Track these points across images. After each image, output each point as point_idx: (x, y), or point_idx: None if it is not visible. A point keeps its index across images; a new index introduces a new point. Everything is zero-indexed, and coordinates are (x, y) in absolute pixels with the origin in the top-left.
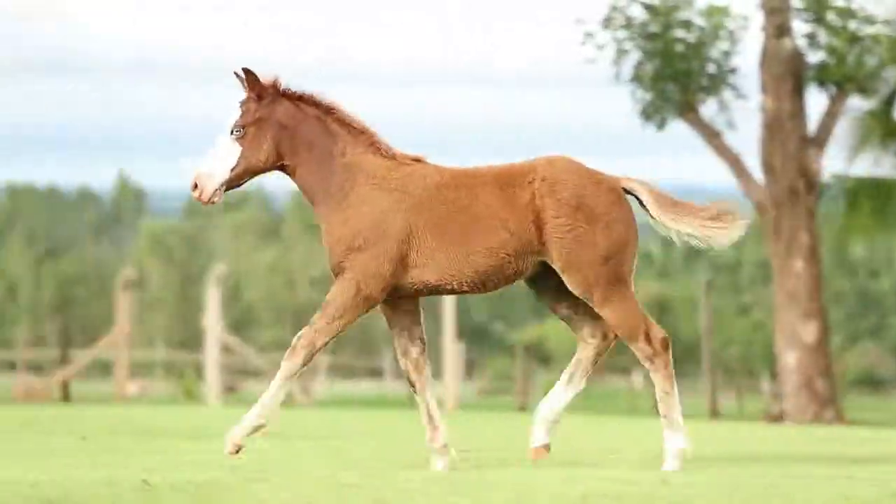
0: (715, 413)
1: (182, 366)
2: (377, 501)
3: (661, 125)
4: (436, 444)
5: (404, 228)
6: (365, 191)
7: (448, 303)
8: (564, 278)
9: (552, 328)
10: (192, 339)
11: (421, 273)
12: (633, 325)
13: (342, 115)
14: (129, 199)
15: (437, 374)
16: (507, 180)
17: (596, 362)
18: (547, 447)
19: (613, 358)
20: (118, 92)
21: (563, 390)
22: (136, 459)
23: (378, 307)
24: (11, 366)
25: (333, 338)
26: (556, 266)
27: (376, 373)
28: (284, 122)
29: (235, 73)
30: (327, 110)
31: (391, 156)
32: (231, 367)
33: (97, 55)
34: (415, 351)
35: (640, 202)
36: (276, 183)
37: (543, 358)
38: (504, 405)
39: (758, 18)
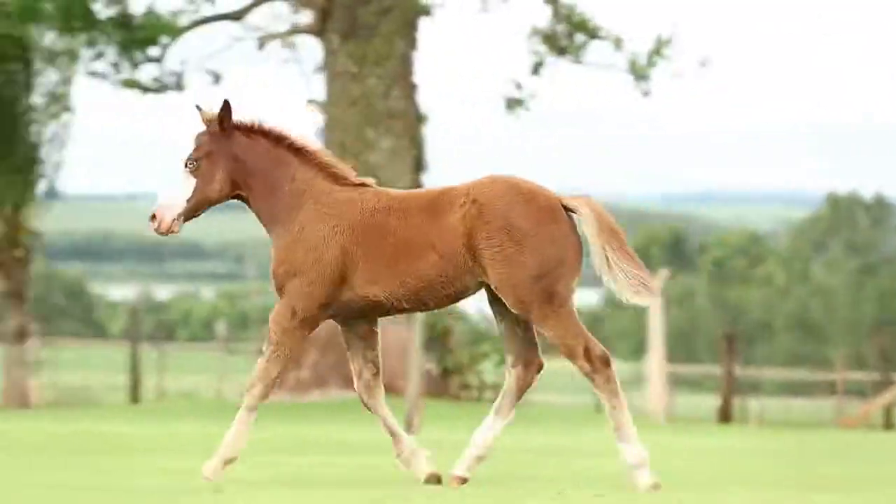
0: None
1: None
2: None
3: None
4: (405, 453)
5: (338, 253)
6: (306, 216)
7: None
8: (501, 298)
9: None
10: None
11: (360, 291)
12: (571, 343)
13: (293, 141)
14: None
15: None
16: (440, 204)
17: (521, 394)
18: (464, 480)
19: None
20: None
21: (491, 422)
22: None
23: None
24: (831, 388)
25: (287, 362)
26: (493, 286)
27: None
28: (236, 153)
29: (196, 107)
30: (278, 139)
31: (338, 179)
32: None
33: None
34: (367, 373)
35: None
36: None
37: None
38: None
39: None
